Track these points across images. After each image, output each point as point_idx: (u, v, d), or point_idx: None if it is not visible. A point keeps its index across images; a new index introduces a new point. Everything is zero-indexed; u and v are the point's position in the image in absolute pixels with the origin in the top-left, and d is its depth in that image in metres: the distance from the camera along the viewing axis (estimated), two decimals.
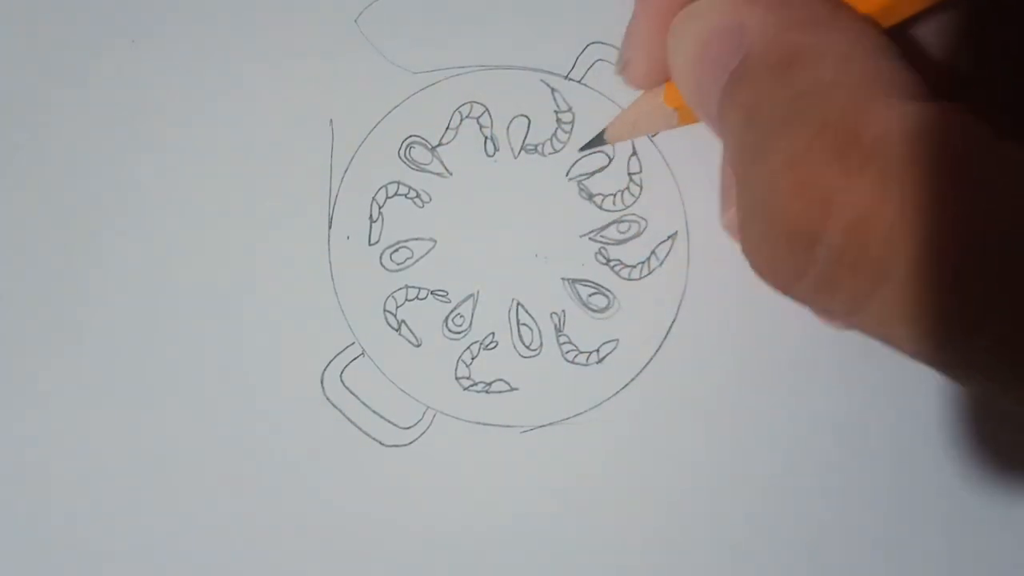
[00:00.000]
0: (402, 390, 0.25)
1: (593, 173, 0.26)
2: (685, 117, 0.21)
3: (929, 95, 0.16)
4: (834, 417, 0.25)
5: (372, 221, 0.26)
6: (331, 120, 0.26)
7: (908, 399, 0.25)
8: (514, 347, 0.26)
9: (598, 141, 0.24)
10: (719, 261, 0.25)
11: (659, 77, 0.21)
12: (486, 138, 0.26)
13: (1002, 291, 0.14)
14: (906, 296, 0.15)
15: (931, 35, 0.19)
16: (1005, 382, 0.15)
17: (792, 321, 0.25)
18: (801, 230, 0.15)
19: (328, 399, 0.25)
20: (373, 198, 0.26)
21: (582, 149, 0.25)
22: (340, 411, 0.25)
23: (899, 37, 0.18)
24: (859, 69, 0.16)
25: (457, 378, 0.25)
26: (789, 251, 0.16)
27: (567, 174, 0.26)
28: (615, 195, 0.26)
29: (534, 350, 0.26)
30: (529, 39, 0.27)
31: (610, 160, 0.26)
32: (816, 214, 0.15)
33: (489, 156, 0.26)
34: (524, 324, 0.26)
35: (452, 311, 0.26)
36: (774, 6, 0.17)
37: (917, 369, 0.25)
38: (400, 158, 0.26)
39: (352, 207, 0.26)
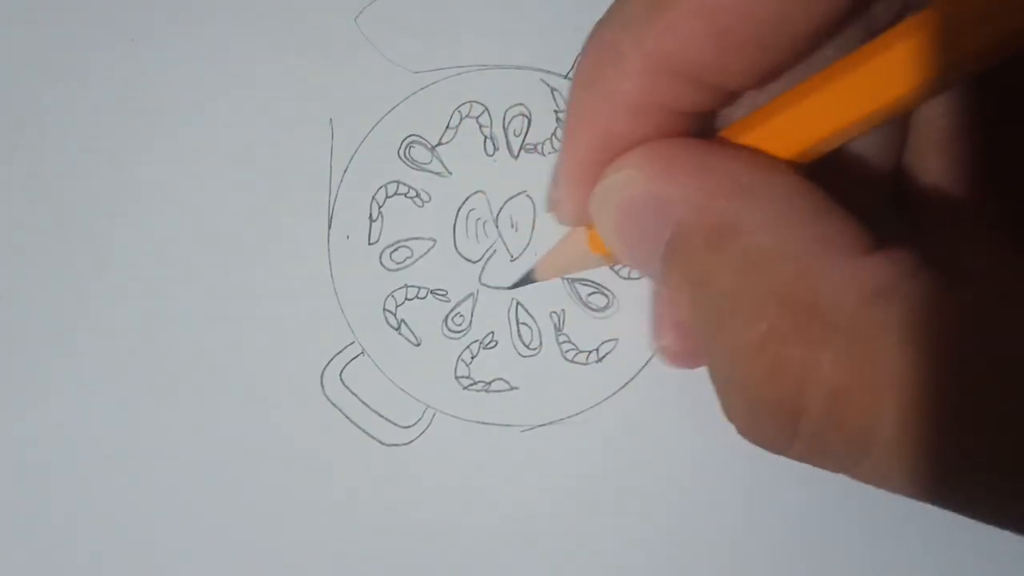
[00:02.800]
0: (402, 389, 0.25)
1: None
2: (613, 259, 0.21)
3: (871, 243, 0.16)
4: None
5: (372, 220, 0.26)
6: (331, 119, 0.26)
7: None
8: (514, 346, 0.26)
9: (528, 280, 0.25)
10: None
11: (588, 218, 0.20)
12: (486, 137, 0.26)
13: (987, 436, 0.14)
14: (895, 454, 0.15)
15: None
16: (1007, 510, 0.15)
17: None
18: (781, 408, 0.15)
19: (328, 398, 0.25)
20: (373, 197, 0.26)
21: (512, 287, 0.26)
22: (340, 410, 0.25)
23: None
24: (797, 235, 0.16)
25: (457, 377, 0.25)
26: (773, 425, 0.16)
27: None
28: None
29: (534, 349, 0.26)
30: (529, 39, 0.27)
31: None
32: (792, 392, 0.15)
33: (489, 155, 0.26)
34: (524, 323, 0.26)
35: (452, 310, 0.26)
36: (694, 175, 0.17)
37: None
38: (400, 157, 0.26)
39: (352, 206, 0.26)
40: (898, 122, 0.20)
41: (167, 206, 0.26)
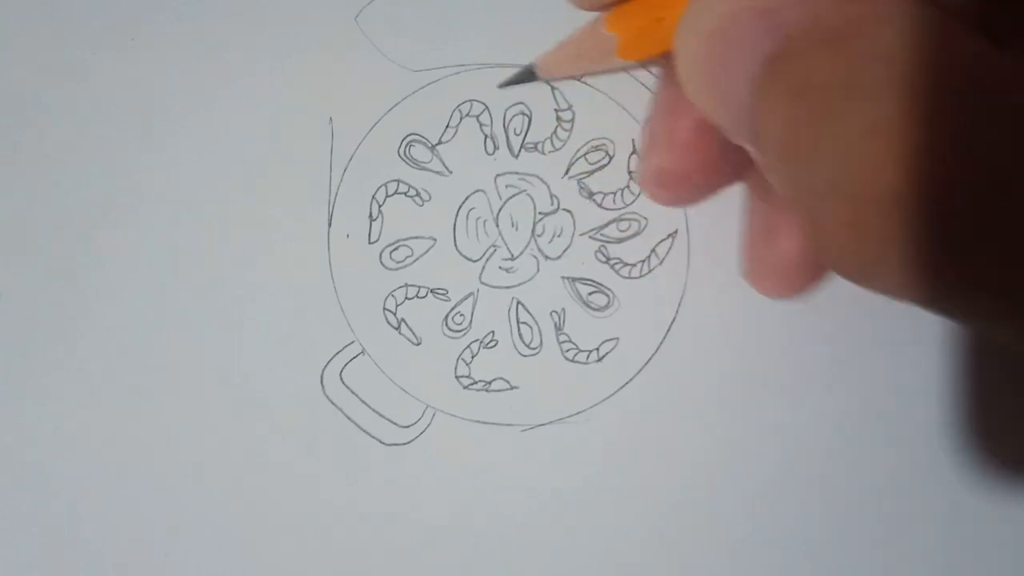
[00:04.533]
0: (402, 389, 0.25)
1: (593, 171, 0.26)
2: (628, 49, 0.20)
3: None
4: (834, 416, 0.25)
5: (372, 219, 0.26)
6: (331, 118, 0.26)
7: (909, 398, 0.25)
8: (514, 346, 0.26)
9: (526, 76, 0.22)
10: (719, 260, 0.25)
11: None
12: (486, 136, 0.26)
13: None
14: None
15: None
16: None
17: (792, 320, 0.25)
18: (890, 196, 0.14)
19: (328, 398, 0.25)
20: (373, 196, 0.26)
21: (502, 85, 0.23)
22: (340, 410, 0.25)
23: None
24: (930, 30, 0.14)
25: (457, 377, 0.25)
26: (877, 223, 0.14)
27: (567, 172, 0.26)
28: (615, 193, 0.26)
29: (534, 349, 0.26)
30: (529, 37, 0.27)
31: (610, 159, 0.26)
32: (903, 178, 0.14)
33: (489, 154, 0.26)
34: (524, 323, 0.26)
35: (452, 309, 0.26)
36: None
37: (919, 368, 0.25)
38: (400, 156, 0.26)
39: (352, 205, 0.26)
40: None
41: (167, 205, 0.26)
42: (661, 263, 0.26)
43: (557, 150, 0.26)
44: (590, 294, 0.26)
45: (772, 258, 0.22)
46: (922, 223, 0.14)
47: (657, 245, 0.26)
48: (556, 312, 0.26)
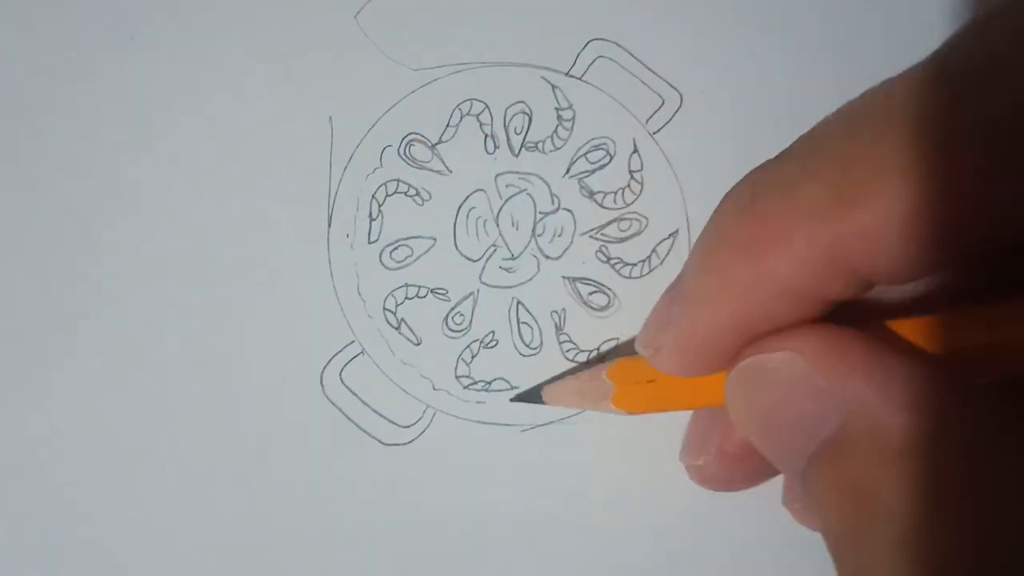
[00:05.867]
0: (402, 389, 0.25)
1: (594, 171, 0.26)
2: (620, 400, 0.21)
3: None
4: None
5: (372, 219, 0.26)
6: (330, 117, 0.26)
7: None
8: (514, 346, 0.26)
9: (534, 397, 0.24)
10: None
11: (694, 371, 0.19)
12: (486, 135, 0.26)
13: None
14: None
15: None
16: None
17: None
18: None
19: (327, 398, 0.25)
20: (373, 196, 0.26)
21: (513, 400, 0.25)
22: (340, 410, 0.25)
23: None
24: (994, 469, 0.14)
25: (457, 376, 0.25)
26: None
27: (567, 171, 0.26)
28: (616, 193, 0.26)
29: (534, 348, 0.26)
30: (530, 36, 0.27)
31: (611, 158, 0.26)
32: None
33: (489, 153, 0.26)
34: (524, 322, 0.26)
35: (452, 309, 0.26)
36: (869, 374, 0.16)
37: None
38: (400, 156, 0.26)
39: (352, 205, 0.26)
40: None
41: (166, 205, 0.26)
42: (662, 263, 0.26)
43: (558, 149, 0.26)
44: (591, 294, 0.26)
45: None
46: None
47: (658, 245, 0.26)
48: (556, 312, 0.26)
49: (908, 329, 0.17)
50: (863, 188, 0.15)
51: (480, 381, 0.25)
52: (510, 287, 0.26)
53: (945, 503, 0.14)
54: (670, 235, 0.26)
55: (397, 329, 0.26)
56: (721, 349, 0.18)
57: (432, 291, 0.26)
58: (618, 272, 0.26)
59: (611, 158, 0.26)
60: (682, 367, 0.19)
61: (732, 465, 0.22)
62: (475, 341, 0.26)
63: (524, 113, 0.26)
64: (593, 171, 0.26)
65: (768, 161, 0.18)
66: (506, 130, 0.26)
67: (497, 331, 0.26)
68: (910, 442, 0.15)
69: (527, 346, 0.26)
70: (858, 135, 0.16)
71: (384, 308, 0.26)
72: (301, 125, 0.26)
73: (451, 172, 0.26)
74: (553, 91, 0.26)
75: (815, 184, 0.16)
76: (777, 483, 0.25)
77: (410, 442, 0.25)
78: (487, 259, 0.26)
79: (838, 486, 0.16)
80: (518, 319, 0.26)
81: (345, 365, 0.25)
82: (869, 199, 0.15)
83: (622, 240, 0.26)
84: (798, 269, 0.16)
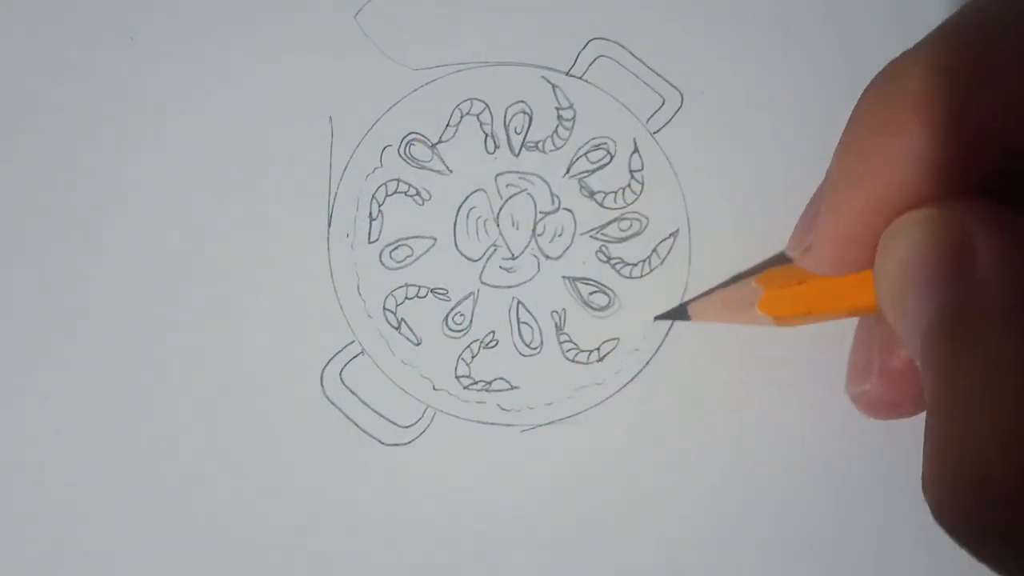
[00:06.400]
0: (402, 389, 0.25)
1: (594, 170, 0.26)
2: (769, 304, 0.21)
3: None
4: (835, 416, 0.25)
5: (372, 219, 0.26)
6: (330, 117, 0.26)
7: None
8: (514, 346, 0.25)
9: (680, 313, 0.24)
10: (720, 259, 0.25)
11: (843, 266, 0.19)
12: (486, 135, 0.26)
13: None
14: None
15: None
16: None
17: None
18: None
19: (327, 398, 0.25)
20: (373, 195, 0.26)
21: (658, 318, 0.25)
22: (340, 410, 0.25)
23: None
24: None
25: (457, 376, 0.25)
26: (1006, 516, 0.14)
27: (568, 171, 0.26)
28: (616, 192, 0.26)
29: (534, 349, 0.25)
30: (530, 35, 0.27)
31: (612, 158, 0.26)
32: None
33: (489, 153, 0.26)
34: (524, 322, 0.26)
35: (452, 309, 0.26)
36: (1008, 231, 0.15)
37: None
38: (400, 155, 0.26)
39: (352, 205, 0.26)
40: None
41: (166, 205, 0.26)
42: (662, 263, 0.26)
43: (558, 149, 0.26)
44: (591, 294, 0.26)
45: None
46: None
47: (658, 245, 0.26)
48: (557, 312, 0.26)
49: None
50: (1006, 57, 0.15)
51: (480, 381, 0.25)
52: (510, 287, 0.26)
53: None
54: (670, 235, 0.26)
55: (397, 329, 0.26)
56: (869, 238, 0.18)
57: (432, 291, 0.26)
58: (618, 272, 0.26)
59: (611, 158, 0.26)
60: (832, 262, 0.19)
61: (897, 385, 0.22)
62: (475, 341, 0.26)
63: (524, 113, 0.26)
64: (593, 171, 0.26)
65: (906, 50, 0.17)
66: (506, 130, 0.26)
67: (497, 331, 0.26)
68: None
69: (527, 346, 0.25)
70: (998, 17, 0.16)
71: (384, 308, 0.26)
72: (301, 125, 0.26)
73: (451, 172, 0.26)
74: (553, 91, 0.26)
75: (954, 56, 0.16)
76: (778, 482, 0.25)
77: (410, 442, 0.25)
78: (487, 259, 0.26)
79: (961, 345, 0.15)
80: (518, 319, 0.26)
81: (345, 365, 0.25)
82: (1011, 66, 0.15)
83: (622, 240, 0.26)
84: (936, 139, 0.16)
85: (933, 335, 0.16)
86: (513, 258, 0.26)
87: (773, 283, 0.22)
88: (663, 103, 0.26)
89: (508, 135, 0.26)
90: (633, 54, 0.26)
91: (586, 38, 0.26)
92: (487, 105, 0.26)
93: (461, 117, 0.26)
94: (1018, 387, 0.14)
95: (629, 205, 0.26)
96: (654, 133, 0.26)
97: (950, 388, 0.15)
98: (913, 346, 0.17)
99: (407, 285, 0.26)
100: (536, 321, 0.26)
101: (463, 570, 0.25)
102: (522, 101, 0.26)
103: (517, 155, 0.26)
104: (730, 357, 0.25)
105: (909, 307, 0.16)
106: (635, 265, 0.26)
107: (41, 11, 0.26)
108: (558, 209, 0.26)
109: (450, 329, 0.26)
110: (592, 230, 0.26)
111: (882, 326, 0.20)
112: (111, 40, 0.26)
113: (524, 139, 0.26)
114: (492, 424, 0.25)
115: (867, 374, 0.22)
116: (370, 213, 0.26)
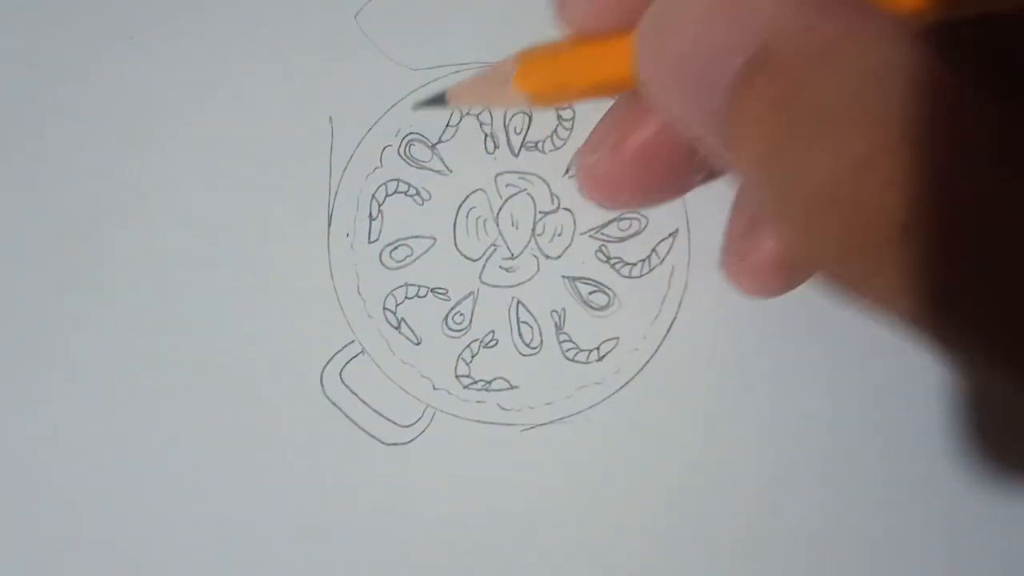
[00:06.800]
0: (402, 388, 0.25)
1: None
2: (539, 101, 0.19)
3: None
4: (834, 416, 0.25)
5: (372, 219, 0.26)
6: (330, 117, 0.26)
7: (908, 398, 0.25)
8: (514, 345, 0.26)
9: (438, 101, 0.22)
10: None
11: (601, 21, 0.18)
12: (486, 135, 0.26)
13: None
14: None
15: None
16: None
17: (793, 320, 0.25)
18: (886, 223, 0.13)
19: (328, 397, 0.25)
20: (373, 195, 0.26)
21: (416, 106, 0.22)
22: (340, 409, 0.25)
23: None
24: (924, 56, 0.14)
25: (457, 376, 0.25)
26: (872, 244, 0.14)
27: (567, 171, 0.26)
28: None
29: (534, 348, 0.26)
30: (530, 35, 0.26)
31: None
32: (901, 208, 0.13)
33: (489, 153, 0.26)
34: (524, 322, 0.26)
35: (452, 309, 0.26)
36: None
37: (917, 368, 0.25)
38: (400, 155, 0.26)
39: (352, 205, 0.26)
40: None
41: (166, 205, 0.26)
42: (662, 262, 0.26)
43: (557, 149, 0.26)
44: (590, 293, 0.26)
45: (752, 256, 0.22)
46: (923, 250, 0.14)
47: (658, 244, 0.26)
48: (556, 311, 0.26)
49: None
50: None
51: (480, 381, 0.25)
52: (510, 287, 0.26)
53: (862, 95, 0.14)
54: (670, 235, 0.26)
55: (397, 329, 0.26)
56: None
57: (432, 291, 0.26)
58: (618, 272, 0.26)
59: None
60: (592, 10, 0.18)
61: (625, 165, 0.20)
62: (475, 341, 0.26)
63: (524, 113, 0.26)
64: None
65: None
66: (506, 130, 0.26)
67: (497, 331, 0.26)
68: (839, 43, 0.14)
69: (527, 345, 0.26)
70: None
71: (384, 308, 0.26)
72: (301, 125, 0.26)
73: (451, 172, 0.26)
74: None
75: None
76: (772, 482, 0.25)
77: (410, 442, 0.25)
78: (487, 259, 0.26)
79: (758, 103, 0.15)
80: (518, 318, 0.26)
81: (345, 365, 0.25)
82: None
83: (622, 240, 0.26)
84: None
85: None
86: (513, 258, 0.26)
87: (530, 59, 0.20)
88: None
89: (508, 135, 0.26)
90: None
91: None
92: None
93: (461, 117, 0.26)
94: None
95: None
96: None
97: None
98: (702, 118, 0.16)
99: (407, 285, 0.26)
100: (536, 321, 0.26)
101: (463, 569, 0.25)
102: None
103: (517, 155, 0.26)
104: (728, 357, 0.25)
105: (697, 80, 0.15)
106: (635, 265, 0.26)
107: (41, 11, 0.26)
108: (558, 209, 0.26)
109: (450, 329, 0.26)
110: (592, 230, 0.26)
111: (633, 104, 0.19)
112: (111, 40, 0.26)
113: (524, 139, 0.26)
114: (492, 424, 0.25)
115: (599, 147, 0.20)
116: (370, 213, 0.26)
